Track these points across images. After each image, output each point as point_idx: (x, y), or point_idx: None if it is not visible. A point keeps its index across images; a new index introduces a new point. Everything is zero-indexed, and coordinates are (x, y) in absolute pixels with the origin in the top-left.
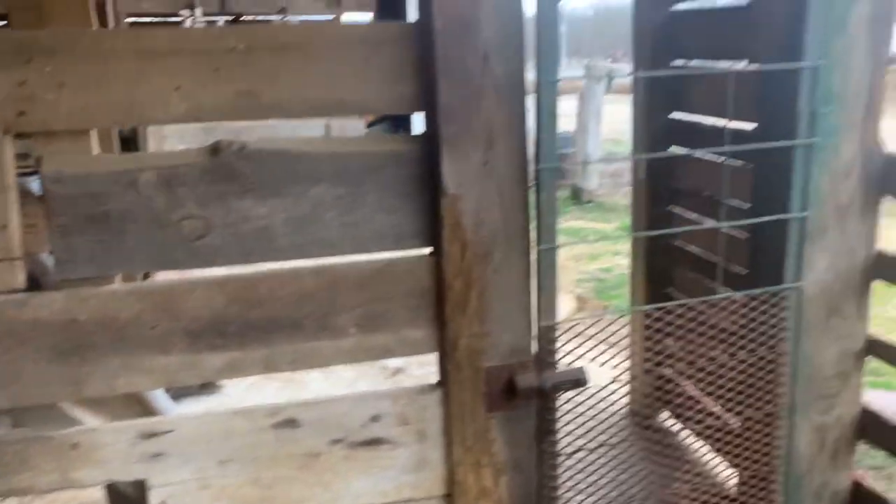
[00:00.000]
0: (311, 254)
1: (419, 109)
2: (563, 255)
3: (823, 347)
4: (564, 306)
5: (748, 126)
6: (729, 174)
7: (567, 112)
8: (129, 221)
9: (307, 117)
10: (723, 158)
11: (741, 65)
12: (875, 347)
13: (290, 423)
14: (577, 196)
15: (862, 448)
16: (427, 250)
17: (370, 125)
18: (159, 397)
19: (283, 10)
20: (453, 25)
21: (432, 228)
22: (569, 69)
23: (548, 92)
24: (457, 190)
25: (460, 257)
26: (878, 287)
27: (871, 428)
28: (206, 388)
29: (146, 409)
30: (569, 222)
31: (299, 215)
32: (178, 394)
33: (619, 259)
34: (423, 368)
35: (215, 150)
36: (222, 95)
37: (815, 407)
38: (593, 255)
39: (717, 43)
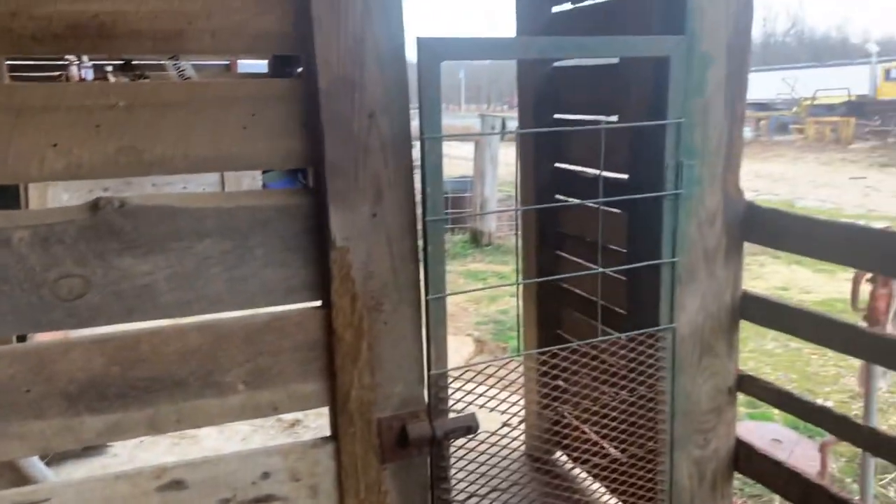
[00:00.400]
0: (196, 310)
1: (307, 165)
2: (462, 299)
3: (698, 384)
4: (463, 349)
5: (623, 177)
6: (606, 221)
7: (467, 156)
8: (1, 282)
9: (191, 173)
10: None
11: (613, 120)
12: (745, 383)
13: (177, 485)
14: (477, 239)
15: (742, 477)
16: (317, 303)
17: (266, 171)
18: (35, 464)
19: (175, 56)
20: (337, 85)
21: (322, 281)
22: (467, 115)
23: (432, 148)
24: (346, 242)
25: (350, 309)
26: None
27: (744, 459)
28: (91, 448)
29: (20, 477)
30: (469, 265)
31: (184, 271)
32: (60, 457)
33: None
34: (321, 419)
35: (95, 206)
36: (103, 152)
37: (693, 441)
38: (492, 298)
39: (592, 98)
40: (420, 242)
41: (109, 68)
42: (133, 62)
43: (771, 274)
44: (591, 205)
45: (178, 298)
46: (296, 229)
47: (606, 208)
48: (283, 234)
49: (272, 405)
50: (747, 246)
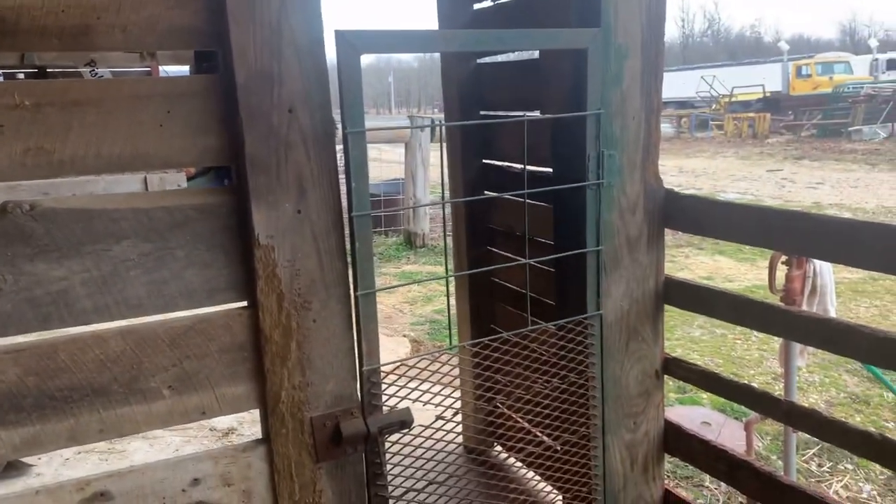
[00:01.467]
0: (116, 315)
1: (227, 162)
2: (397, 300)
3: (626, 369)
4: (400, 350)
5: (547, 170)
6: (533, 215)
7: (399, 160)
8: None
9: (106, 173)
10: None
11: (536, 114)
12: (671, 366)
13: (101, 497)
14: (411, 241)
15: (675, 460)
16: (243, 304)
17: (193, 178)
18: None
19: (91, 63)
20: (255, 80)
21: (247, 281)
22: (397, 118)
23: (355, 142)
24: (270, 240)
25: (277, 308)
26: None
27: (673, 440)
28: (12, 468)
29: None
30: (403, 267)
31: (101, 276)
32: None
33: (452, 301)
34: (256, 426)
35: (2, 210)
36: (8, 154)
37: (623, 425)
38: (427, 298)
39: (515, 94)
40: (347, 238)
41: (21, 76)
42: (47, 69)
43: (695, 264)
44: (517, 199)
45: (95, 304)
46: (217, 228)
47: (533, 202)
48: (205, 234)
49: (200, 409)
50: (672, 238)
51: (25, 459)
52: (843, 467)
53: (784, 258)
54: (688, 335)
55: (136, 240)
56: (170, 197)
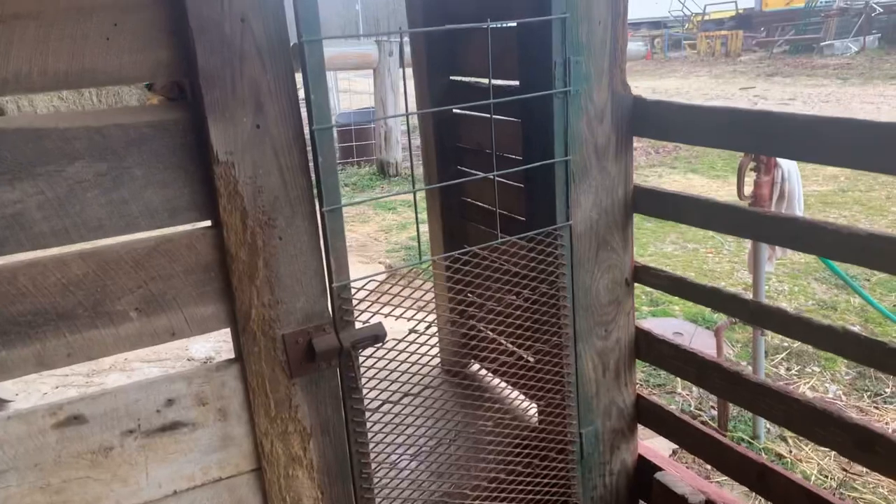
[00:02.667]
0: (76, 238)
1: (179, 76)
2: (372, 229)
3: (597, 278)
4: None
5: (514, 83)
6: (501, 130)
7: (368, 90)
8: None
9: (52, 90)
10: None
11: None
12: (641, 274)
13: (75, 420)
14: (384, 170)
15: (648, 370)
16: (207, 223)
17: None
18: None
19: None
20: None
21: (209, 200)
22: (365, 44)
23: (312, 51)
24: (229, 157)
25: (241, 227)
26: (655, 225)
27: (644, 346)
28: None
29: None
30: (377, 196)
31: (56, 197)
32: None
33: (426, 228)
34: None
35: None
36: None
37: (595, 333)
38: (402, 226)
39: (480, 5)
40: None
41: None
42: None
43: (668, 183)
44: (485, 116)
45: (53, 227)
46: (175, 146)
47: (501, 117)
48: (162, 153)
49: (170, 331)
50: (645, 158)
51: (3, 396)
52: (810, 370)
53: (752, 165)
54: (660, 251)
55: (90, 160)
56: (123, 114)
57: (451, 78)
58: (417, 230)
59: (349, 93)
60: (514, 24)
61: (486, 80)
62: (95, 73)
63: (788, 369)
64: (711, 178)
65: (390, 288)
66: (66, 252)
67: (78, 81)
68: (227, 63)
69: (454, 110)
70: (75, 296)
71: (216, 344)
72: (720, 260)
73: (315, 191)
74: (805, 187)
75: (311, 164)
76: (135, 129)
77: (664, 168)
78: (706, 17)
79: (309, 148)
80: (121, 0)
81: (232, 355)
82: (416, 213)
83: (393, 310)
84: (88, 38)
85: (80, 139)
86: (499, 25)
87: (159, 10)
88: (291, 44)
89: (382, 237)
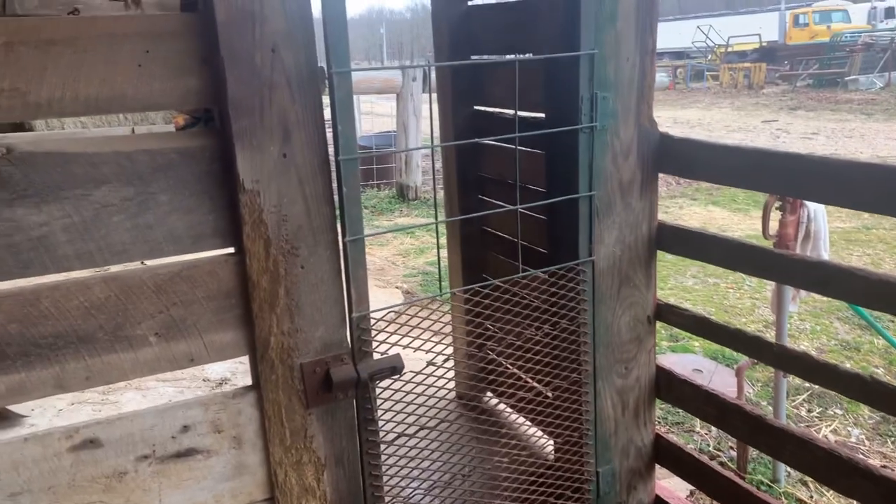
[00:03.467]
0: (100, 262)
1: (209, 104)
2: (390, 253)
3: (618, 315)
4: (393, 301)
5: (540, 115)
6: (526, 162)
7: (391, 113)
8: None
9: (83, 115)
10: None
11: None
12: (663, 312)
13: (91, 444)
14: (403, 194)
15: (666, 407)
16: (229, 250)
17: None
18: None
19: (75, 11)
20: (237, 17)
21: (233, 227)
22: (390, 72)
23: (341, 83)
24: (255, 185)
25: (265, 254)
26: (676, 258)
27: (665, 385)
28: (5, 420)
29: None
30: (396, 220)
31: (82, 221)
32: None
33: (445, 253)
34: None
35: None
36: None
37: (615, 371)
38: (420, 251)
39: (507, 37)
40: (334, 183)
41: None
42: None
43: (689, 215)
44: (509, 146)
45: (77, 250)
46: (201, 173)
47: (525, 149)
48: (188, 179)
49: (189, 356)
50: (666, 189)
51: (19, 411)
52: (832, 413)
53: (778, 204)
54: (681, 284)
55: (117, 184)
56: (151, 139)
57: (476, 108)
58: (438, 261)
59: (371, 115)
60: (542, 57)
61: (510, 111)
62: (126, 99)
63: (810, 411)
64: (733, 210)
65: (409, 319)
66: (90, 275)
67: (108, 107)
68: (256, 92)
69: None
70: (96, 319)
71: (232, 365)
72: (741, 296)
73: (338, 220)
74: (829, 224)
75: (334, 193)
76: (162, 155)
77: (685, 199)
78: (729, 49)
79: (333, 177)
80: (154, 28)
81: (247, 377)
82: (438, 244)
83: (412, 341)
84: (120, 64)
85: (108, 164)
86: (527, 59)
87: (191, 38)
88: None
89: (400, 261)
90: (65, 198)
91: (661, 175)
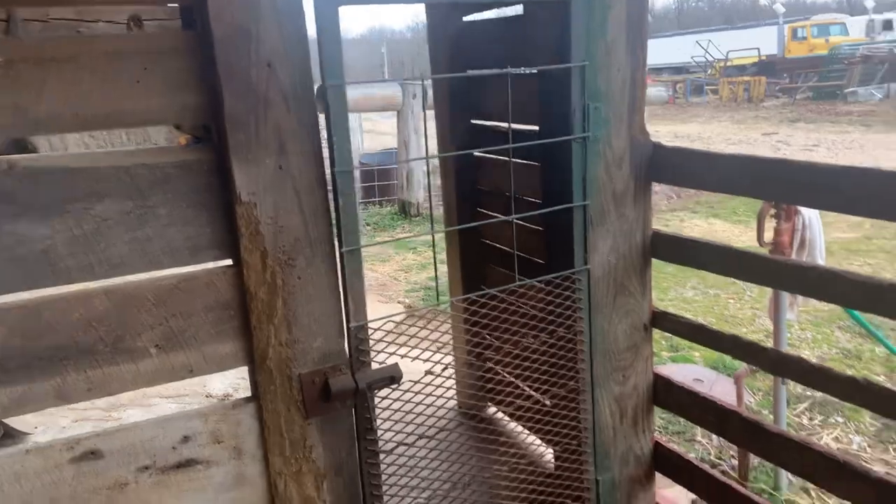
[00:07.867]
0: (100, 274)
1: (206, 119)
2: (392, 268)
3: (614, 323)
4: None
5: (534, 128)
6: (521, 174)
7: (392, 131)
8: None
9: (83, 131)
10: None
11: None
12: (659, 320)
13: (91, 455)
14: (406, 211)
15: (667, 416)
16: (227, 261)
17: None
18: None
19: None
20: (233, 34)
21: (230, 239)
22: (390, 89)
23: (335, 96)
24: (252, 197)
25: (262, 266)
26: (676, 270)
27: (663, 393)
28: (8, 436)
29: None
30: (397, 236)
31: (83, 234)
32: None
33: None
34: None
35: None
36: None
37: (613, 378)
38: (422, 266)
39: (501, 52)
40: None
41: None
42: None
43: (689, 227)
44: (505, 158)
45: (79, 263)
46: (199, 186)
47: (520, 161)
48: (186, 192)
49: (188, 368)
50: (667, 203)
51: (22, 427)
52: (833, 421)
53: (773, 211)
54: (681, 295)
55: (117, 198)
56: (150, 154)
57: (473, 122)
58: (435, 270)
59: (373, 133)
60: (535, 70)
61: (506, 125)
62: (124, 115)
63: (811, 419)
64: (734, 223)
65: (408, 329)
66: (90, 288)
67: (107, 122)
68: (251, 108)
69: (475, 153)
70: (97, 331)
71: (234, 380)
72: (742, 306)
73: (335, 231)
74: (829, 234)
75: (331, 205)
76: (160, 170)
77: (686, 213)
78: (729, 63)
79: (330, 189)
80: (152, 45)
81: (248, 392)
82: (434, 253)
83: (409, 351)
84: (119, 81)
85: (108, 179)
86: (520, 71)
87: (188, 55)
88: (315, 87)
89: (402, 277)
90: (67, 212)
91: (661, 189)
